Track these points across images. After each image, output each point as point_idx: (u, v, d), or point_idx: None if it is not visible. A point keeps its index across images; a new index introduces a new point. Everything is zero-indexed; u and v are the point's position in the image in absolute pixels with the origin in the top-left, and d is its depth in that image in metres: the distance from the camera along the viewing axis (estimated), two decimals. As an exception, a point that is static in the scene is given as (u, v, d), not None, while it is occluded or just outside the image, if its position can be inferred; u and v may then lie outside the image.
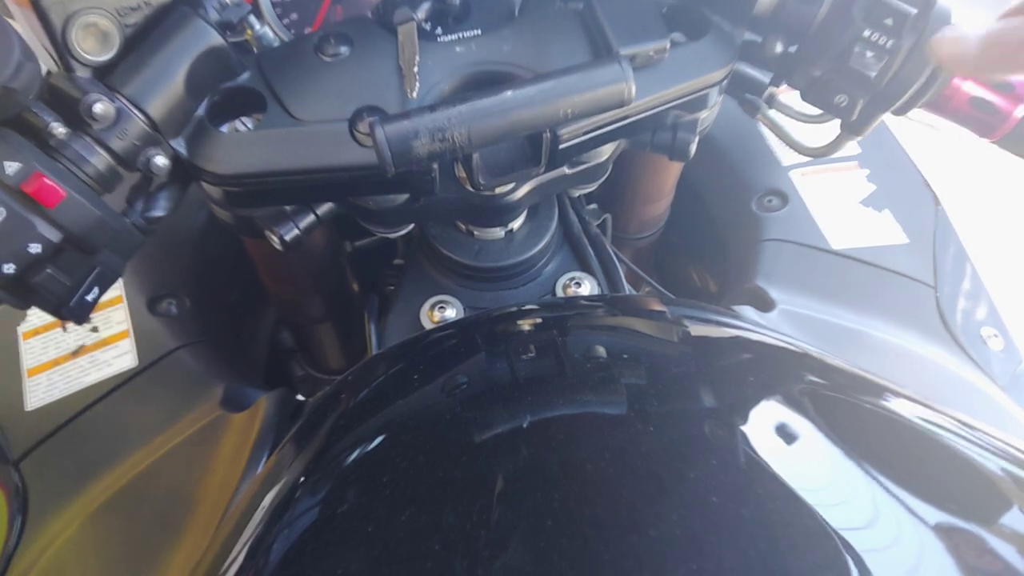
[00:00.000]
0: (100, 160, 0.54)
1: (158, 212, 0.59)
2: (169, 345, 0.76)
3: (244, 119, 0.61)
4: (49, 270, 0.52)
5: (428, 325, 0.65)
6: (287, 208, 0.65)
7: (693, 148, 0.70)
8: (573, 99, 0.53)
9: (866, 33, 0.60)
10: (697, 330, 0.53)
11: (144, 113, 0.55)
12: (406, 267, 0.72)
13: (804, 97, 0.68)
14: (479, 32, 0.65)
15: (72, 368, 0.75)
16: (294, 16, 0.81)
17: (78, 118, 0.53)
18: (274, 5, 0.79)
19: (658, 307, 0.57)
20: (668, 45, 0.61)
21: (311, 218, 0.65)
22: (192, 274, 0.85)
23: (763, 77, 0.73)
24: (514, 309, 0.58)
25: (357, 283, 0.96)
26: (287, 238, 0.64)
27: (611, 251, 0.72)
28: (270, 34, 0.68)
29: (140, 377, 0.74)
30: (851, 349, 0.74)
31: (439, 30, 0.65)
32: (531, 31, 0.64)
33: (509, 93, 0.53)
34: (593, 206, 0.85)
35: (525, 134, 0.55)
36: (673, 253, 1.05)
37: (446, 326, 0.60)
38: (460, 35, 0.65)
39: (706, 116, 0.71)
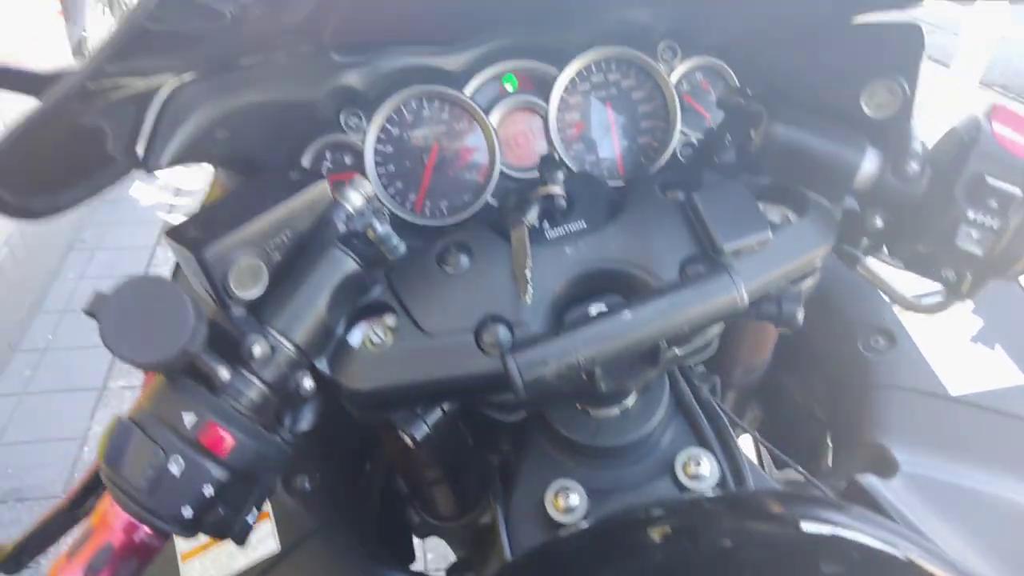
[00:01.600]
0: (257, 392, 0.60)
1: (304, 426, 0.65)
2: (305, 526, 0.81)
3: (376, 329, 0.66)
4: (219, 507, 0.57)
5: (553, 513, 0.67)
6: (417, 407, 0.70)
7: (800, 316, 0.71)
8: (688, 314, 0.56)
9: (970, 214, 0.62)
10: (834, 542, 0.53)
11: (293, 343, 0.62)
12: (526, 447, 0.75)
13: (908, 267, 0.69)
14: (584, 224, 0.70)
15: (221, 553, 0.80)
16: (399, 185, 0.88)
17: (237, 356, 0.59)
18: (380, 176, 0.86)
19: (789, 510, 0.57)
20: (770, 236, 0.64)
21: (439, 415, 0.69)
22: (322, 449, 0.90)
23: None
24: (643, 515, 0.60)
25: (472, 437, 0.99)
26: (418, 436, 0.68)
27: (725, 419, 0.73)
28: (394, 238, 0.75)
29: (284, 563, 0.78)
30: (990, 519, 0.71)
31: (546, 225, 0.70)
32: (635, 226, 0.68)
33: (628, 315, 0.56)
34: (700, 368, 0.87)
35: (645, 349, 0.58)
36: (779, 394, 1.04)
37: (579, 534, 0.62)
38: (566, 228, 0.70)
39: (810, 283, 0.72)
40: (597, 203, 0.72)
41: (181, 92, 0.68)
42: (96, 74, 0.52)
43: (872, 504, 0.71)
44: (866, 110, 0.67)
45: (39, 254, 3.37)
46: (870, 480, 0.73)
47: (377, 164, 0.91)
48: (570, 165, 0.93)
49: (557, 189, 0.67)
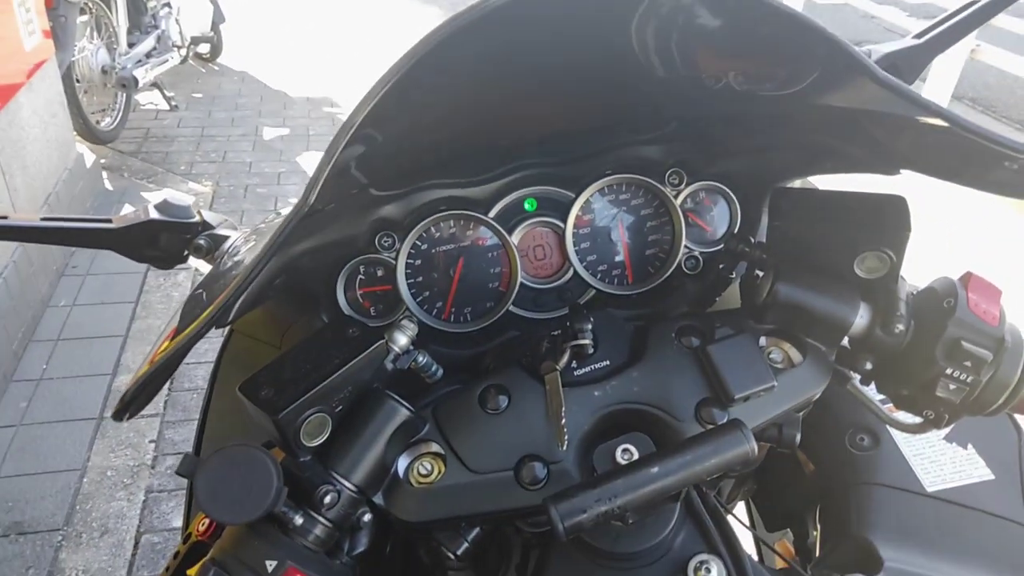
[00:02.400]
0: (324, 531, 0.68)
1: (361, 548, 0.73)
2: None
3: (424, 460, 0.75)
4: None
5: None
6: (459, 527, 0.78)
7: (798, 439, 0.80)
8: (707, 465, 0.65)
9: (948, 370, 0.71)
10: None
11: (355, 485, 0.70)
12: (551, 551, 0.84)
13: (893, 403, 0.78)
14: (607, 363, 0.79)
15: None
16: (427, 295, 0.96)
17: (308, 500, 0.67)
18: (410, 287, 0.94)
19: None
20: (775, 385, 0.73)
21: (477, 531, 0.77)
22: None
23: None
24: None
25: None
26: (459, 553, 0.76)
27: (730, 523, 0.82)
28: (433, 366, 0.83)
29: None
30: None
31: (574, 364, 0.79)
32: (655, 370, 0.77)
33: (656, 469, 0.65)
34: None
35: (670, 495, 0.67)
36: (767, 487, 1.14)
37: None
38: (592, 367, 0.78)
39: (807, 409, 0.82)
40: (619, 342, 0.81)
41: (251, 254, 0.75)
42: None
43: None
44: (859, 273, 0.76)
45: (30, 282, 3.40)
46: None
47: (407, 276, 0.99)
48: (582, 275, 1.02)
49: (586, 340, 0.76)
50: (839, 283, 0.77)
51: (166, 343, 0.71)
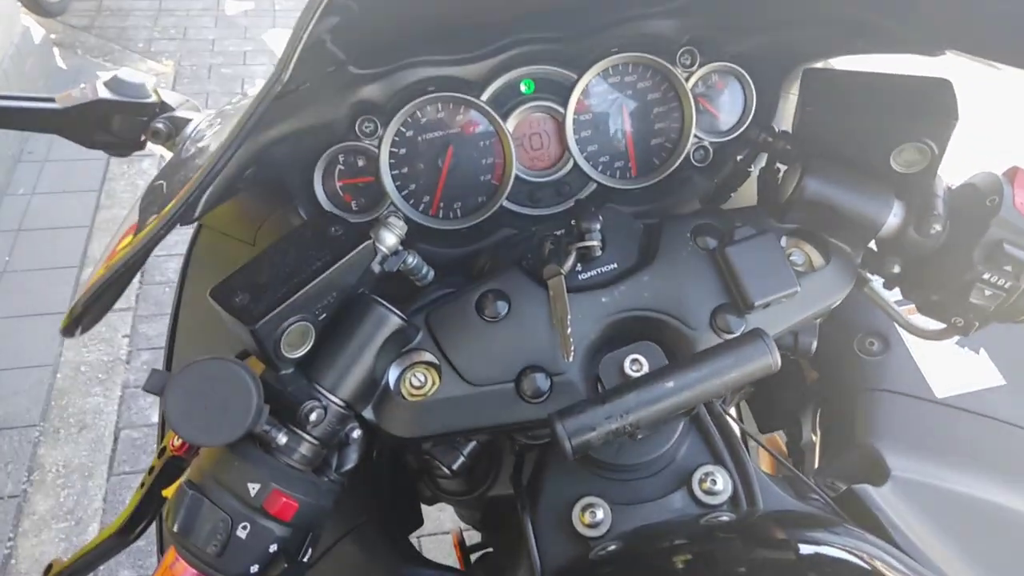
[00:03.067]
0: (310, 449, 0.63)
1: (350, 464, 0.68)
2: (338, 531, 0.85)
3: (416, 371, 0.69)
4: (283, 559, 0.61)
5: (580, 528, 0.73)
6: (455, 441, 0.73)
7: (815, 347, 0.75)
8: (725, 379, 0.60)
9: (985, 275, 0.66)
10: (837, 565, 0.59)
11: (342, 400, 0.64)
12: (550, 463, 0.80)
13: (919, 310, 0.73)
14: (615, 266, 0.72)
15: None
16: (413, 187, 0.88)
17: (291, 418, 0.62)
18: (394, 179, 0.86)
19: (797, 535, 0.63)
20: (798, 290, 0.67)
21: (473, 445, 0.72)
22: None
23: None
24: (667, 544, 0.65)
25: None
26: (455, 467, 0.72)
27: (737, 432, 0.79)
28: (423, 267, 0.76)
29: (320, 563, 0.83)
30: (976, 523, 0.79)
31: (579, 267, 0.72)
32: (667, 273, 0.70)
33: (671, 383, 0.60)
34: None
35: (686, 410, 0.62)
36: (769, 388, 1.10)
37: (608, 558, 0.67)
38: (599, 270, 0.72)
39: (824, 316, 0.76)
40: (628, 243, 0.74)
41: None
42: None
43: (867, 514, 0.78)
44: (895, 166, 0.69)
45: (-15, 168, 3.22)
46: (866, 491, 0.81)
47: (392, 167, 0.90)
48: (583, 167, 0.93)
49: (594, 241, 0.69)
50: (872, 178, 0.70)
51: (125, 241, 0.63)
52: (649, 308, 0.69)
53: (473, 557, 1.44)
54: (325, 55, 0.72)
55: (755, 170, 0.82)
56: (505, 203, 0.93)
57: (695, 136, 0.94)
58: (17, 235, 3.20)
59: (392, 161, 0.89)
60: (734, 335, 0.68)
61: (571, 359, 0.65)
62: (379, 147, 0.88)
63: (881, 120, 0.68)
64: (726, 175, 0.82)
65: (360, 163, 0.90)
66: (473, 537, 1.28)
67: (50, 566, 0.75)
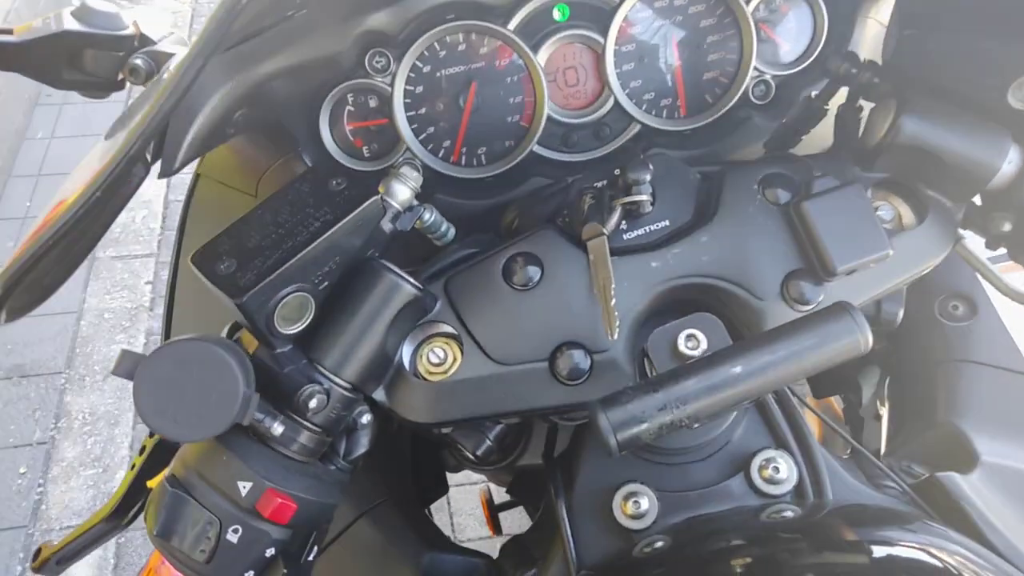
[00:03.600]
0: (312, 439, 0.54)
1: (360, 451, 0.60)
2: (354, 511, 0.78)
3: (435, 346, 0.59)
4: (282, 562, 0.53)
5: (622, 519, 0.64)
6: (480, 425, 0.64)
7: (901, 317, 0.65)
8: (804, 363, 0.50)
9: None
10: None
11: (347, 382, 0.55)
12: (587, 441, 0.71)
13: None
14: (667, 223, 0.61)
15: None
16: (432, 131, 0.78)
17: (288, 403, 0.53)
18: (410, 121, 0.76)
19: (873, 535, 0.54)
20: (890, 253, 0.56)
21: (501, 427, 0.64)
22: None
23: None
24: (724, 544, 0.57)
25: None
26: (480, 453, 0.63)
27: (800, 410, 0.69)
28: (443, 225, 0.66)
29: (334, 546, 0.76)
30: None
31: (625, 225, 0.62)
32: (730, 233, 0.59)
33: (738, 368, 0.50)
34: None
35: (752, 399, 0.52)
36: None
37: (659, 555, 0.59)
38: (648, 229, 0.61)
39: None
40: (682, 196, 0.63)
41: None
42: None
43: (953, 506, 0.68)
44: (1013, 103, 0.57)
45: (2, 112, 3.14)
46: (952, 480, 0.70)
47: (407, 107, 0.79)
48: (625, 106, 0.82)
49: (644, 196, 0.58)
50: (984, 117, 0.58)
51: (64, 204, 0.53)
52: (708, 274, 0.59)
53: (502, 519, 1.36)
54: None
55: (831, 109, 0.70)
56: (536, 148, 0.82)
57: (755, 69, 0.82)
58: (38, 180, 3.15)
59: (407, 101, 0.79)
60: (811, 307, 0.58)
61: (614, 337, 0.55)
62: (392, 84, 0.77)
63: (998, 45, 0.56)
64: (796, 115, 0.70)
65: (372, 103, 0.80)
66: (503, 495, 1.21)
67: (39, 550, 0.69)
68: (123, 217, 3.33)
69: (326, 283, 0.55)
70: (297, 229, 0.54)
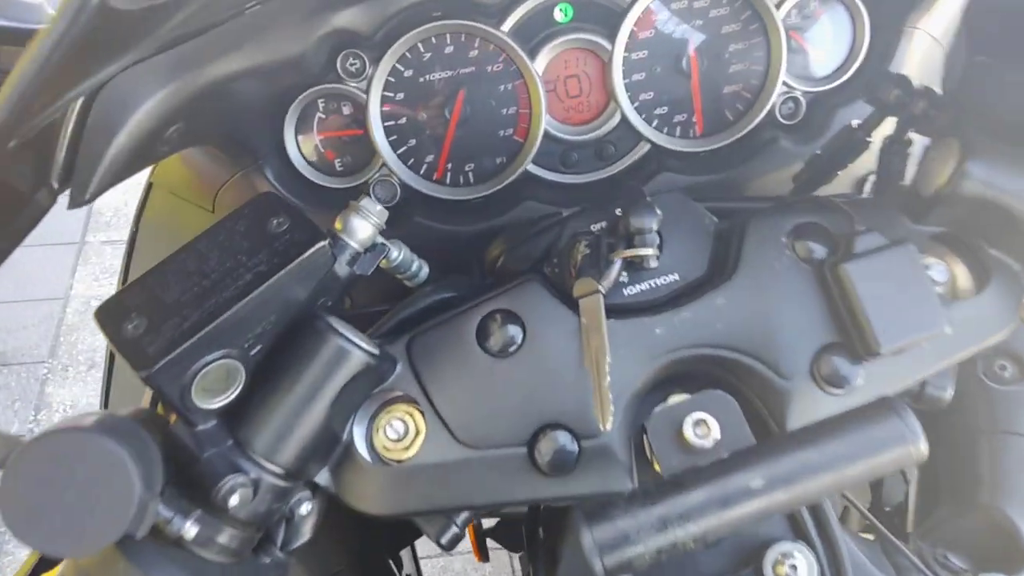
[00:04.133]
0: (235, 537, 0.45)
1: (300, 541, 0.50)
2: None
3: (393, 419, 0.50)
4: None
5: None
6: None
7: (949, 396, 0.55)
8: (839, 477, 0.40)
9: None
10: None
11: (281, 468, 0.45)
12: (569, 522, 0.62)
13: None
14: (676, 278, 0.51)
15: None
16: (413, 143, 0.69)
17: (206, 498, 0.44)
18: (388, 133, 0.67)
19: None
20: (948, 332, 0.46)
21: (466, 515, 0.54)
22: None
23: None
24: None
25: None
26: (444, 542, 0.54)
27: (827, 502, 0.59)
28: (414, 263, 0.57)
29: None
30: None
31: (624, 277, 0.52)
32: (753, 298, 0.49)
33: (758, 480, 0.40)
34: None
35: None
36: None
37: None
38: (653, 284, 0.51)
39: None
40: (696, 245, 0.53)
41: (114, 87, 0.46)
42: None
43: None
44: None
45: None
46: None
47: (385, 117, 0.69)
48: (633, 122, 0.71)
49: (650, 249, 0.48)
50: None
51: None
52: (724, 345, 0.49)
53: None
54: None
55: (872, 141, 0.59)
56: (530, 167, 0.72)
57: (784, 83, 0.71)
58: None
59: (385, 109, 0.69)
60: (845, 391, 0.48)
61: (607, 427, 0.45)
62: (368, 91, 0.68)
63: None
64: (834, 145, 0.60)
65: (345, 111, 0.70)
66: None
67: None
68: (114, 201, 3.19)
69: (259, 346, 0.46)
70: (225, 281, 0.45)
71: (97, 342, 2.48)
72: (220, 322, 0.43)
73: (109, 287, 2.63)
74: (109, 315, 0.44)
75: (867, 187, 0.72)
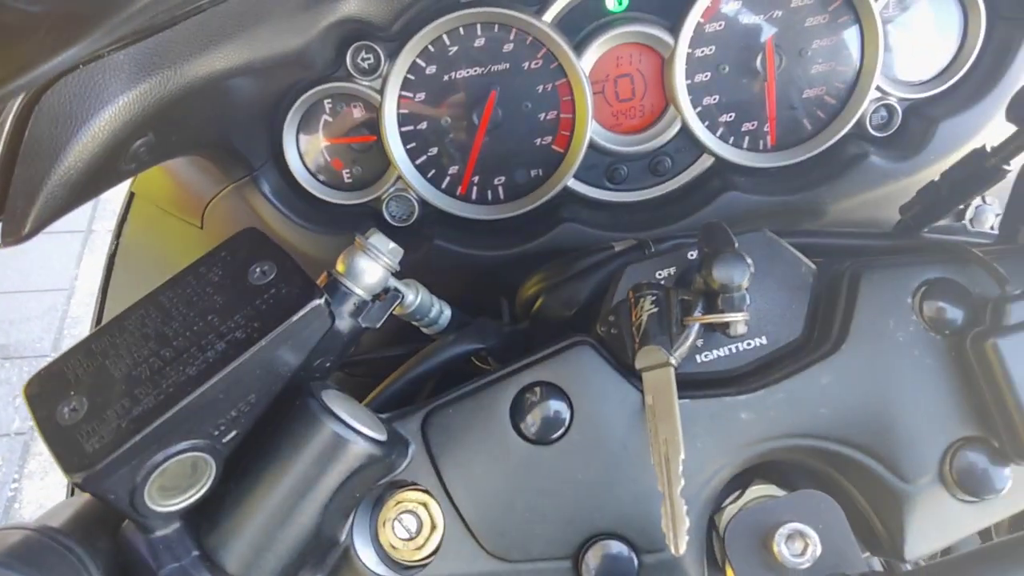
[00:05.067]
0: None
1: None
2: None
3: (403, 516, 0.39)
4: None
5: None
6: None
7: None
8: None
9: None
10: None
11: None
12: None
13: None
14: (764, 341, 0.41)
15: None
16: (434, 152, 0.58)
17: None
18: (405, 139, 0.57)
19: None
20: None
21: None
22: None
23: None
24: None
25: None
26: None
27: None
28: (433, 307, 0.46)
29: None
30: None
31: (699, 341, 0.41)
32: (867, 376, 0.38)
33: None
34: None
35: None
36: None
37: None
38: (734, 349, 0.41)
39: None
40: (788, 300, 0.42)
41: (61, 89, 0.36)
42: None
43: None
44: None
45: None
46: None
47: (402, 121, 0.59)
48: (694, 131, 0.60)
49: (740, 316, 0.37)
50: None
51: None
52: (830, 437, 0.38)
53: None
54: None
55: (1011, 169, 0.48)
56: (571, 183, 0.61)
57: (877, 88, 0.60)
58: None
59: (403, 112, 0.59)
60: (986, 499, 0.37)
61: (680, 551, 0.34)
62: (382, 91, 0.57)
63: None
64: (959, 172, 0.48)
65: (355, 114, 0.60)
66: None
67: None
68: (121, 189, 3.15)
69: (234, 432, 0.35)
70: (191, 351, 0.34)
71: (102, 336, 2.40)
72: (182, 407, 0.33)
73: (115, 278, 2.55)
74: (42, 391, 0.34)
75: (968, 221, 0.61)
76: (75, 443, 0.32)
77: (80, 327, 2.41)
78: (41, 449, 2.12)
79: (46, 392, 0.34)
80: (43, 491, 2.03)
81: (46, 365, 0.36)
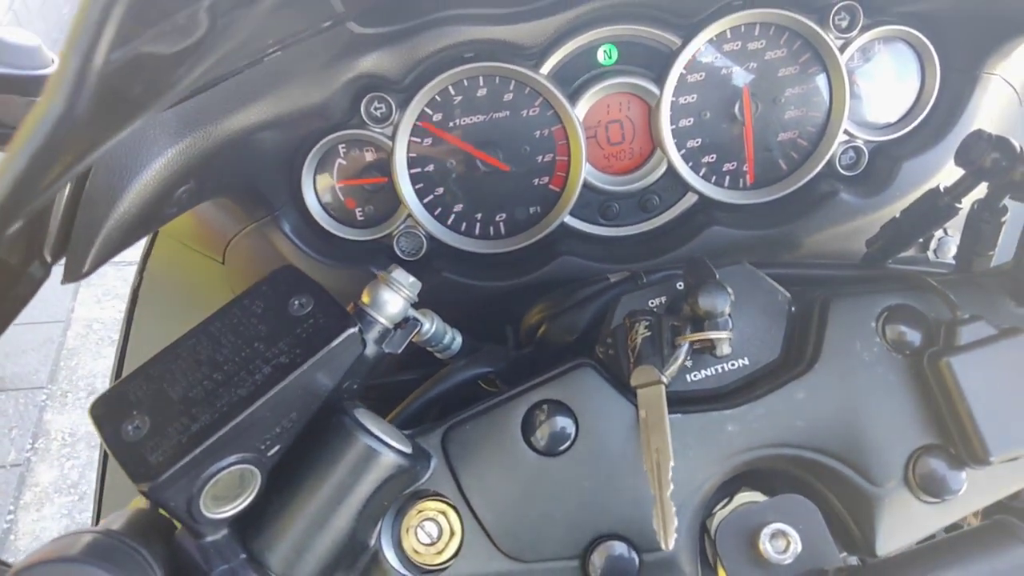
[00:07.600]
0: None
1: None
2: None
3: (425, 523, 0.44)
4: None
5: None
6: None
7: None
8: None
9: None
10: None
11: None
12: None
13: None
14: (746, 362, 0.46)
15: None
16: (440, 192, 0.64)
17: None
18: (414, 181, 0.62)
19: None
20: None
21: None
22: None
23: None
24: None
25: None
26: None
27: None
28: (446, 335, 0.51)
29: None
30: None
31: (688, 361, 0.46)
32: (838, 391, 0.43)
33: None
34: None
35: None
36: None
37: None
38: (719, 369, 0.46)
39: None
40: (768, 325, 0.47)
41: (115, 149, 0.40)
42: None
43: None
44: None
45: None
46: None
47: (411, 164, 0.64)
48: (680, 171, 0.66)
49: (724, 334, 0.42)
50: None
51: None
52: (805, 446, 0.43)
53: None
54: (311, 4, 0.46)
55: (960, 208, 0.53)
56: (568, 219, 0.67)
57: (845, 131, 0.66)
58: None
59: (412, 156, 0.64)
60: (944, 501, 0.42)
61: (669, 546, 0.39)
62: (393, 137, 0.62)
63: None
64: (917, 210, 0.54)
65: (368, 157, 0.65)
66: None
67: None
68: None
69: (278, 447, 0.40)
70: (240, 374, 0.39)
71: (98, 367, 2.42)
72: (235, 424, 0.37)
73: (112, 310, 2.58)
74: (107, 411, 0.39)
75: (932, 252, 0.66)
76: (140, 457, 0.36)
77: (76, 359, 2.43)
78: (37, 480, 2.13)
79: (110, 412, 0.39)
80: (39, 523, 2.03)
81: (108, 389, 0.40)
